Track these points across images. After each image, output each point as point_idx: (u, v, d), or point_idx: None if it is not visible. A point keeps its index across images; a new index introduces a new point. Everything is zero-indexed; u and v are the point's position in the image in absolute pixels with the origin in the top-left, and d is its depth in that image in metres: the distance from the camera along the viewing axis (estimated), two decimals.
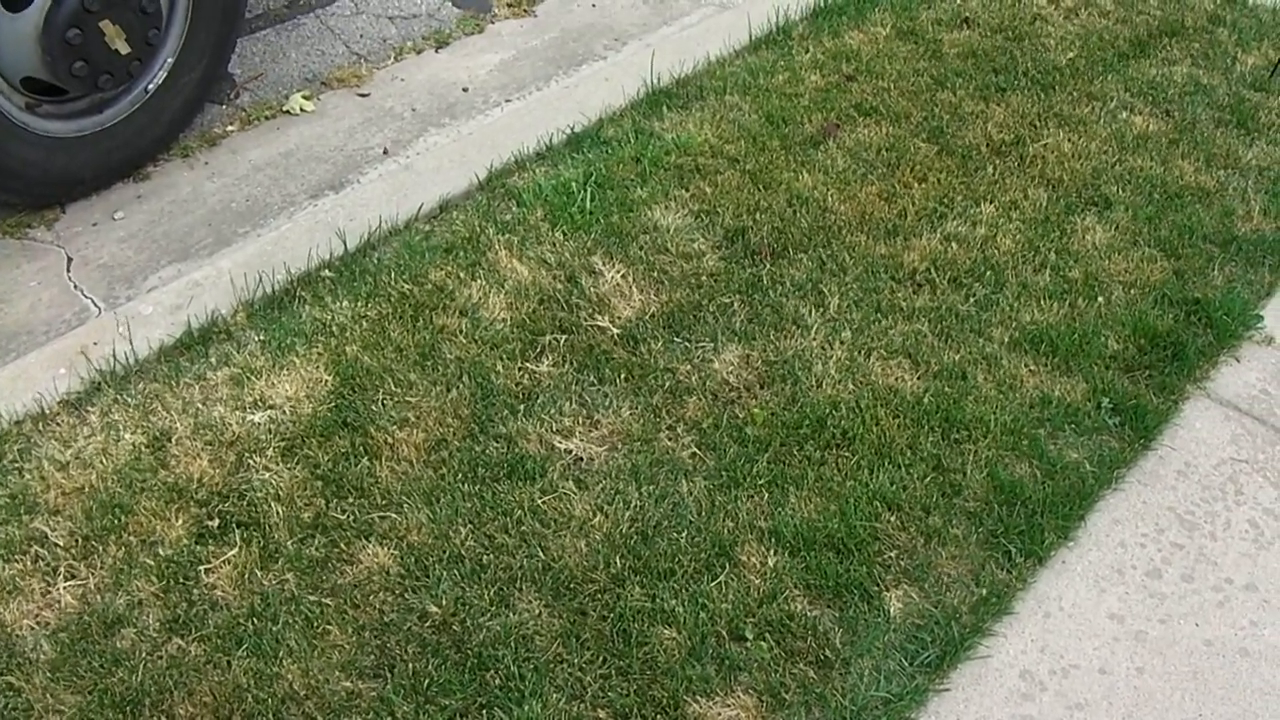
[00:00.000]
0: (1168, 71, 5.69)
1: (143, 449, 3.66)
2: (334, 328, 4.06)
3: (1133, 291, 4.42)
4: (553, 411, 3.82)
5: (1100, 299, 4.37)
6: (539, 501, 3.56)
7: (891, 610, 3.38)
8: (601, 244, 4.45)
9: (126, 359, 3.97)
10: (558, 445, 3.73)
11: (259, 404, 3.81)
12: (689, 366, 4.00)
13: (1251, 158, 5.16)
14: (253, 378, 3.88)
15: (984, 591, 3.45)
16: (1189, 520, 3.72)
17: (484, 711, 3.08)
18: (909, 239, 4.57)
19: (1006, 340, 4.19)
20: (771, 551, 3.47)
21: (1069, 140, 5.17)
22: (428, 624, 3.26)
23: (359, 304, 4.16)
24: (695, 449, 3.75)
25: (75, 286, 4.33)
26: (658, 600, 3.33)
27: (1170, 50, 5.86)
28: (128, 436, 3.70)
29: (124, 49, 4.49)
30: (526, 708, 3.07)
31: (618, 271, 4.33)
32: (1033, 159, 5.04)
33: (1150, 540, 3.65)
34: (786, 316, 4.21)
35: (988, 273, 4.44)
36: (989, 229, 4.64)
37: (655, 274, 4.34)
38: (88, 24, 4.35)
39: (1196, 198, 4.89)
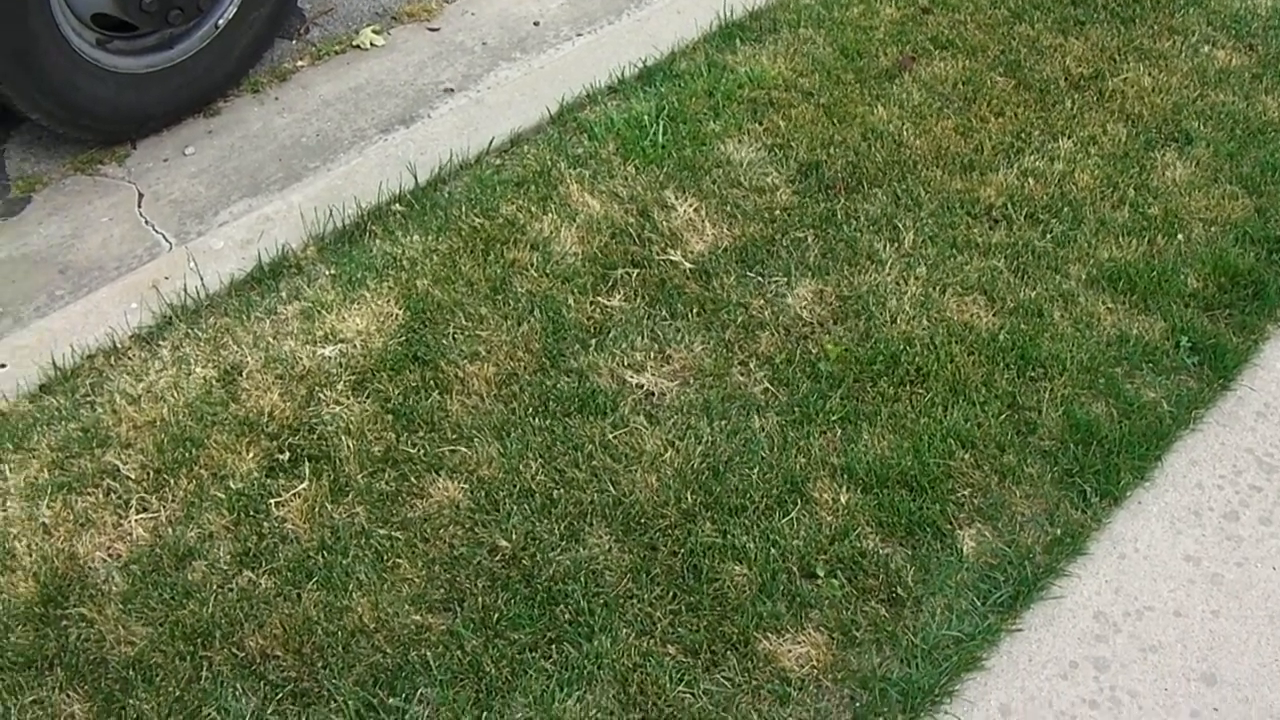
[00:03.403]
0: (1252, 4, 5.58)
1: (213, 382, 3.67)
2: (404, 262, 4.05)
3: (1213, 229, 4.35)
4: (624, 346, 3.80)
5: (1180, 236, 4.30)
6: (610, 436, 3.55)
7: (964, 549, 3.36)
8: (674, 178, 4.42)
9: (197, 293, 3.97)
10: (629, 380, 3.72)
11: (329, 338, 3.81)
12: (762, 301, 3.97)
13: None
14: (323, 312, 3.88)
15: (1058, 531, 3.43)
16: (1268, 463, 3.67)
17: (553, 646, 3.09)
18: (985, 174, 4.51)
19: (1084, 277, 4.13)
20: (844, 488, 3.45)
21: (1149, 74, 5.08)
22: (497, 558, 3.26)
23: (429, 238, 4.15)
24: (767, 384, 3.73)
25: (146, 222, 4.34)
26: (728, 536, 3.32)
27: None
28: (199, 370, 3.71)
29: None
30: (596, 642, 3.07)
31: (690, 205, 4.30)
32: (1112, 93, 4.96)
33: (1228, 482, 3.61)
34: (861, 251, 4.16)
35: (1065, 209, 4.38)
36: (1067, 164, 4.57)
37: (728, 208, 4.30)
38: None
39: None
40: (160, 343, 3.81)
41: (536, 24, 5.41)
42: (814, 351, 3.83)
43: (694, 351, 3.81)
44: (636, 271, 4.06)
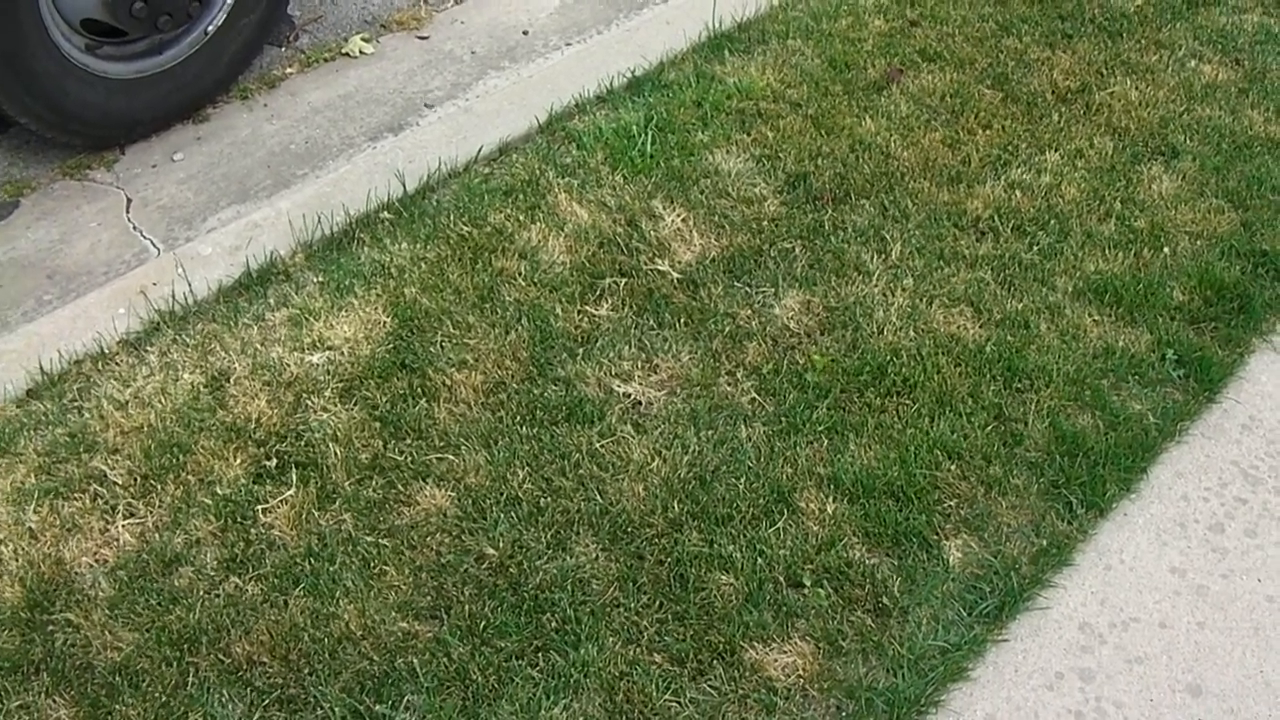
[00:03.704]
0: (1238, 20, 5.60)
1: (201, 389, 3.67)
2: (393, 269, 4.06)
3: (1199, 242, 4.36)
4: (612, 355, 3.81)
5: (1166, 249, 4.31)
6: (597, 445, 3.55)
7: (950, 559, 3.36)
8: (662, 188, 4.43)
9: (185, 299, 3.97)
10: (616, 389, 3.72)
11: (317, 345, 3.81)
12: (749, 311, 3.98)
13: None
14: (311, 319, 3.88)
15: (1044, 542, 3.43)
16: (1253, 475, 3.68)
17: (540, 654, 3.09)
18: (972, 186, 4.52)
19: (1070, 290, 4.14)
20: (830, 498, 3.46)
21: (1136, 88, 5.10)
22: (485, 566, 3.26)
23: (418, 246, 4.15)
24: (755, 394, 3.73)
25: (134, 227, 4.34)
26: (715, 546, 3.32)
27: None
28: (186, 376, 3.71)
29: None
30: (583, 651, 3.08)
31: (678, 215, 4.30)
32: (1099, 107, 4.98)
33: (1213, 494, 3.62)
34: (848, 262, 4.17)
35: (1052, 221, 4.39)
36: (1054, 177, 4.59)
37: (716, 218, 4.31)
38: None
39: (1266, 148, 4.82)
40: (148, 348, 3.81)
41: (525, 33, 5.42)
42: (801, 362, 3.84)
43: (681, 361, 3.82)
44: (624, 281, 4.06)
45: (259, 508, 3.38)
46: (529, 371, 3.76)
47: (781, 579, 3.27)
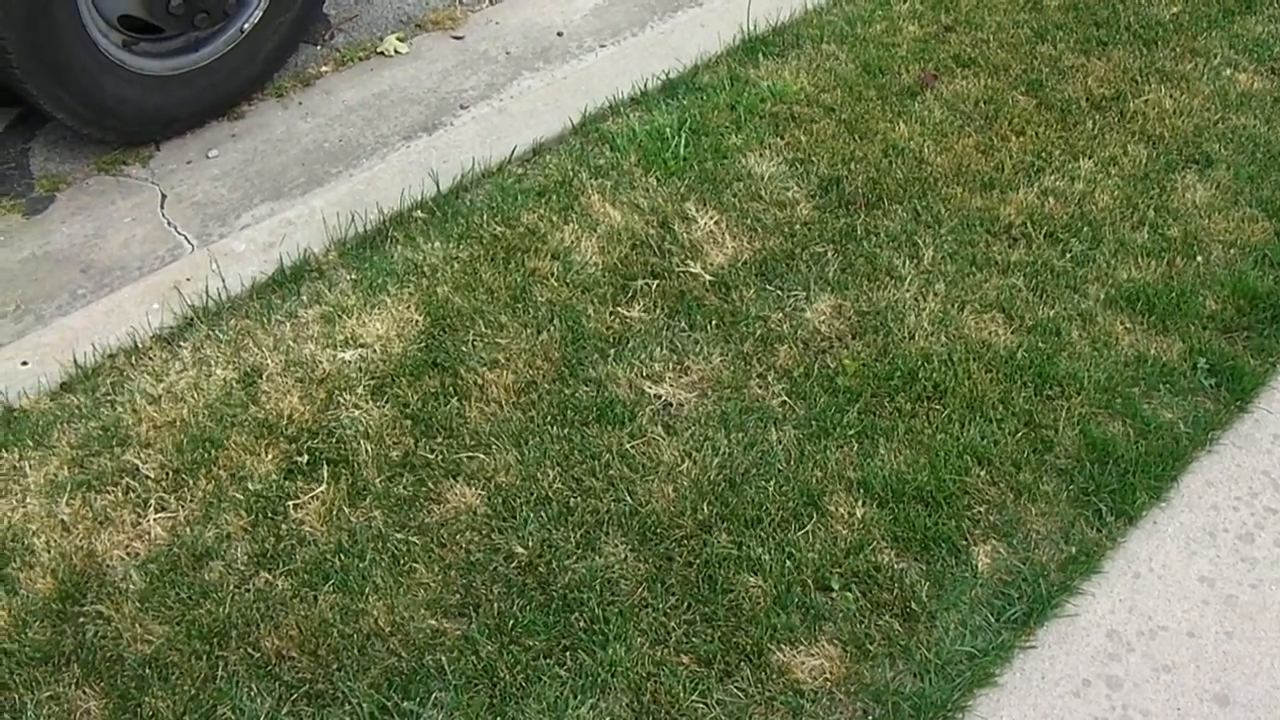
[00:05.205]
0: (1274, 29, 5.57)
1: (234, 384, 3.69)
2: (425, 268, 4.07)
3: (1232, 251, 4.35)
4: (643, 356, 3.81)
5: (1199, 258, 4.30)
6: (627, 446, 3.56)
7: (979, 565, 3.36)
8: (695, 190, 4.43)
9: (219, 295, 3.99)
10: (647, 390, 3.72)
11: (350, 342, 3.82)
12: (780, 315, 3.98)
13: None
14: (344, 316, 3.89)
15: (1073, 549, 3.42)
16: None
17: (567, 653, 3.09)
18: (1005, 192, 4.51)
19: (1102, 297, 4.13)
20: (860, 502, 3.46)
21: (1170, 97, 5.08)
22: (513, 565, 3.27)
23: (451, 245, 4.16)
24: (785, 397, 3.74)
25: (169, 223, 4.36)
26: (744, 548, 3.32)
27: (1277, 7, 5.74)
28: (219, 372, 3.72)
29: None
30: (610, 650, 3.08)
31: (711, 218, 4.31)
32: (1133, 115, 4.96)
33: (1243, 504, 3.61)
34: (880, 267, 4.17)
35: (1085, 228, 4.38)
36: (1087, 184, 4.58)
37: (748, 221, 4.32)
38: None
39: None
40: (181, 343, 3.83)
41: (560, 34, 5.43)
42: (832, 366, 3.84)
43: (712, 363, 3.82)
44: (656, 283, 4.07)
45: (290, 503, 3.39)
46: (560, 372, 3.77)
47: (810, 582, 3.27)
